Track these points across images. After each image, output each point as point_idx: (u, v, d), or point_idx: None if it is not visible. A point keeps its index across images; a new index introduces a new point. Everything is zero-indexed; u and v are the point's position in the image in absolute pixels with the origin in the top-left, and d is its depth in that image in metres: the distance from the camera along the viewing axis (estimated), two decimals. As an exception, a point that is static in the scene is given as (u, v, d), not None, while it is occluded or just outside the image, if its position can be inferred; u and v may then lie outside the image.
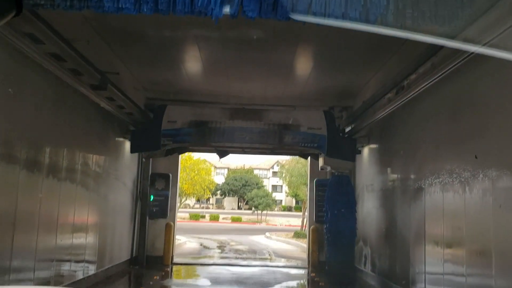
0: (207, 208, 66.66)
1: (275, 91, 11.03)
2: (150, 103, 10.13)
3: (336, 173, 9.50)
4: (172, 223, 11.40)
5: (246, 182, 67.69)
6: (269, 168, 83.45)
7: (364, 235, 9.92)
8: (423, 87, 6.09)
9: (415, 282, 6.98)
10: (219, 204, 75.61)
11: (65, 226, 6.84)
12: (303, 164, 19.12)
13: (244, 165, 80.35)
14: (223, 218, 42.76)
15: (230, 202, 74.96)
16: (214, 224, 36.88)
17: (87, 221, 7.75)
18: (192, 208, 68.90)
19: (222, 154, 10.11)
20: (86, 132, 7.70)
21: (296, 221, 43.89)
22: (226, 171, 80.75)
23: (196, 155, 43.90)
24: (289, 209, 74.05)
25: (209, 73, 9.90)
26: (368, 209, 9.77)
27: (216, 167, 78.94)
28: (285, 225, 38.12)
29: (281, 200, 74.76)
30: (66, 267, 7.09)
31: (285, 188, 79.62)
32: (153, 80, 10.51)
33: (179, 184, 12.07)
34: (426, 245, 6.53)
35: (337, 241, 9.23)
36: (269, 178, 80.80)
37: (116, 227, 9.58)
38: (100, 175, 8.37)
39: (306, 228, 24.06)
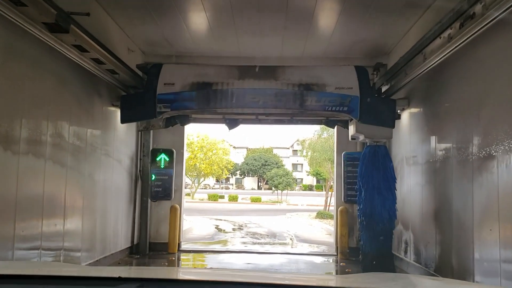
0: (227, 188, 65.93)
1: (293, 49, 9.33)
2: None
3: (370, 143, 7.80)
4: (178, 206, 9.89)
5: (266, 161, 66.78)
6: (288, 147, 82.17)
7: (404, 217, 8.24)
8: (499, 15, 4.34)
9: (482, 275, 5.32)
10: (239, 184, 75.03)
11: (29, 210, 5.35)
12: (326, 138, 17.38)
13: (263, 144, 79.26)
14: (242, 199, 41.44)
15: (249, 182, 74.26)
16: (232, 205, 35.57)
17: (64, 204, 6.26)
18: (212, 188, 68.26)
19: (231, 125, 8.49)
20: (59, 96, 6.15)
21: (318, 200, 42.38)
22: (245, 151, 79.78)
23: (211, 133, 42.67)
24: (310, 188, 72.92)
25: (214, 27, 8.25)
26: (410, 186, 8.06)
27: (235, 147, 78.08)
28: (307, 205, 36.59)
29: (302, 179, 73.60)
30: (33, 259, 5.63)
31: (306, 166, 78.52)
32: (149, 40, 8.90)
33: (185, 161, 10.52)
34: (501, 230, 4.84)
35: (373, 225, 7.58)
36: (289, 157, 79.68)
37: (109, 211, 8.11)
38: (82, 150, 6.85)
39: (330, 208, 22.60)
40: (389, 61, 8.72)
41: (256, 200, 39.14)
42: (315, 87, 7.49)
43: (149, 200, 9.75)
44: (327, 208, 22.17)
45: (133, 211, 9.56)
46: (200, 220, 20.00)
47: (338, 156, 10.16)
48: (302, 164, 79.81)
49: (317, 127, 19.69)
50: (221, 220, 21.05)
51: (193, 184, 45.11)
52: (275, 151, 77.28)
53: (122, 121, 7.66)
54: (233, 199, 40.00)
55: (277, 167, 53.36)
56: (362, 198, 7.78)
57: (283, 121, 8.86)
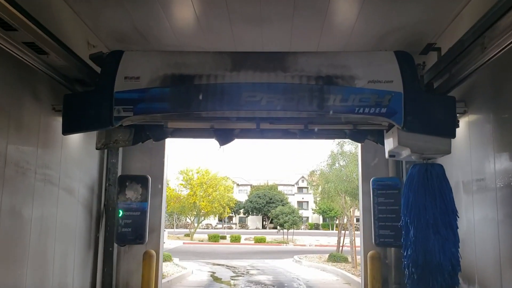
0: (230, 228, 63.24)
1: (305, 42, 7.15)
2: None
3: (417, 161, 5.48)
4: (153, 252, 7.47)
5: (270, 199, 64.53)
6: (293, 184, 79.87)
7: (468, 266, 5.79)
8: None
9: None
10: (242, 224, 72.44)
11: None
12: (340, 168, 14.97)
13: (267, 181, 77.09)
14: (246, 239, 38.62)
15: (253, 221, 71.59)
16: (234, 246, 32.79)
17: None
18: (215, 228, 65.46)
19: (223, 138, 6.15)
20: None
21: (327, 240, 39.50)
22: (249, 188, 77.33)
23: (210, 167, 40.22)
24: (316, 227, 69.94)
25: (202, 15, 6.13)
26: (472, 222, 5.65)
27: (238, 185, 75.64)
28: (315, 245, 33.76)
29: (307, 218, 70.74)
30: None
31: (312, 204, 75.70)
32: (117, 32, 6.75)
33: (165, 191, 8.17)
34: None
35: (428, 279, 5.15)
36: (294, 194, 77.39)
37: (50, 260, 5.71)
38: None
39: (344, 249, 20.06)
40: (429, 56, 6.48)
41: (260, 240, 36.33)
42: (339, 81, 5.21)
43: (115, 245, 7.36)
44: (341, 249, 19.53)
45: (94, 259, 7.13)
46: (195, 266, 17.40)
47: (364, 183, 7.80)
48: (307, 202, 77.21)
49: (331, 147, 17.29)
50: (220, 265, 18.43)
51: (192, 224, 42.39)
52: (280, 188, 75.00)
53: (64, 131, 5.35)
54: (236, 239, 37.18)
55: (282, 205, 50.70)
56: (410, 240, 5.36)
57: (293, 134, 6.55)
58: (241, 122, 5.89)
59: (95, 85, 5.42)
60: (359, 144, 7.97)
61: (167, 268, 15.05)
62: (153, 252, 7.46)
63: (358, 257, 17.34)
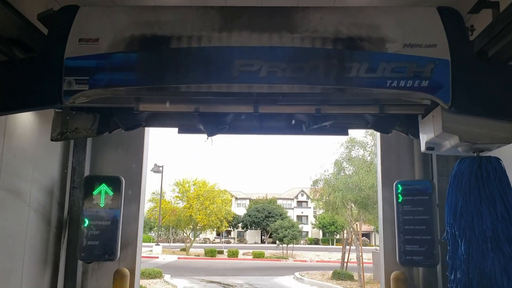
0: (228, 242, 61.68)
1: None
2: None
3: (466, 153, 4.15)
4: (126, 271, 6.08)
5: (269, 213, 63.28)
6: (293, 197, 78.54)
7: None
8: None
9: None
10: (241, 238, 70.91)
11: None
12: (347, 175, 13.55)
13: (266, 194, 75.75)
14: (244, 254, 37.00)
15: (252, 235, 70.05)
16: (232, 262, 31.19)
17: None
18: (212, 242, 63.82)
19: (211, 127, 4.79)
20: None
21: (328, 255, 37.91)
22: (247, 202, 75.89)
23: (207, 179, 38.57)
24: (315, 242, 68.29)
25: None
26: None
27: (237, 198, 74.14)
28: (316, 261, 32.18)
29: (307, 232, 69.14)
30: None
31: (311, 218, 74.13)
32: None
33: (145, 196, 6.80)
34: None
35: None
36: (293, 208, 75.98)
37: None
38: None
39: (349, 265, 18.63)
40: (482, 16, 5.12)
41: (259, 255, 34.72)
42: (365, 44, 3.88)
43: (78, 262, 5.97)
44: (345, 266, 18.08)
45: (51, 278, 5.74)
46: (187, 283, 15.93)
47: (385, 189, 6.42)
48: (307, 216, 75.73)
49: (335, 155, 15.80)
50: (214, 282, 16.95)
51: (188, 238, 40.83)
52: (279, 201, 73.62)
53: (-4, 110, 4.01)
54: (233, 254, 35.55)
55: (282, 219, 49.19)
56: (460, 259, 3.98)
57: (298, 128, 5.20)
58: (234, 105, 4.53)
59: (40, 50, 4.09)
60: (378, 142, 6.62)
61: (155, 286, 13.63)
62: (126, 271, 6.06)
63: (366, 274, 15.95)
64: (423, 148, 4.52)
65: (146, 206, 44.18)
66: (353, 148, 12.87)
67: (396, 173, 6.35)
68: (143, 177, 6.57)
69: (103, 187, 5.96)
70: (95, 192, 5.93)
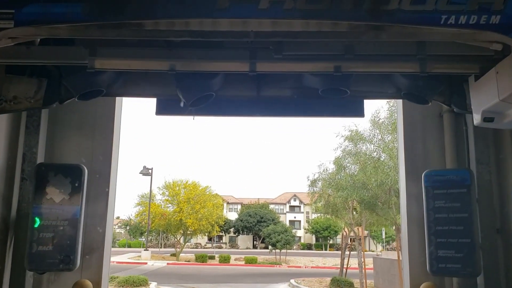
0: (219, 247, 60.61)
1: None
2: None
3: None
4: (89, 284, 4.85)
5: (261, 218, 62.50)
6: (285, 202, 77.74)
7: None
8: None
9: None
10: (232, 243, 69.99)
11: None
12: (346, 174, 12.34)
13: (258, 199, 74.88)
14: (236, 259, 35.74)
15: (244, 240, 69.09)
16: (223, 268, 29.92)
17: None
18: (204, 247, 62.68)
19: (191, 92, 3.60)
20: None
21: (322, 261, 36.81)
22: (239, 206, 74.88)
23: (200, 182, 37.24)
24: (308, 247, 67.38)
25: None
26: None
27: (228, 203, 72.97)
28: (311, 267, 31.01)
29: (300, 238, 68.21)
30: None
31: (304, 223, 73.12)
32: None
33: (115, 191, 5.56)
34: None
35: None
36: (285, 213, 75.22)
37: None
38: None
39: (349, 272, 17.50)
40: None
41: (251, 261, 33.47)
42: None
43: (28, 273, 4.73)
44: (344, 273, 16.92)
45: (-9, 295, 4.50)
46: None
47: (409, 181, 5.24)
48: (300, 221, 74.81)
49: (333, 153, 14.65)
50: (204, 291, 15.72)
51: (179, 243, 39.50)
52: (271, 206, 72.74)
53: None
54: (225, 260, 34.27)
55: (274, 224, 48.08)
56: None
57: (307, 104, 4.05)
58: (222, 61, 3.34)
59: None
60: (400, 124, 5.45)
61: (139, 296, 12.39)
62: (89, 284, 4.82)
63: (369, 281, 14.88)
64: (477, 120, 3.38)
65: (135, 210, 42.86)
66: (358, 143, 11.71)
67: (423, 162, 5.18)
68: (112, 168, 5.34)
69: (59, 179, 4.73)
70: (49, 185, 4.70)
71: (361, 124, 11.54)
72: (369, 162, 10.93)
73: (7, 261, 4.73)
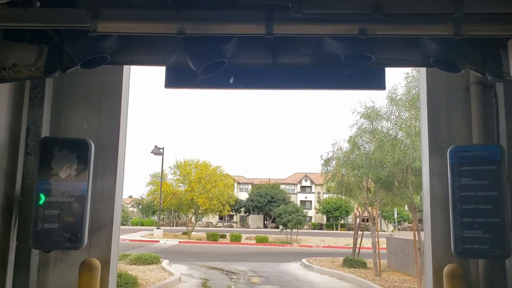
0: (230, 226, 60.96)
1: None
2: None
3: None
4: (97, 262, 4.69)
5: (272, 198, 62.54)
6: (296, 182, 77.64)
7: None
8: None
9: None
10: (243, 223, 70.36)
11: None
12: (369, 151, 12.00)
13: (269, 179, 74.87)
14: (247, 238, 35.84)
15: (255, 220, 69.40)
16: (234, 246, 29.99)
17: None
18: (215, 226, 63.10)
19: (201, 60, 3.34)
20: None
21: (332, 240, 36.77)
22: (250, 186, 74.99)
23: (211, 162, 37.26)
24: (319, 227, 67.49)
25: None
26: None
27: (239, 183, 73.06)
28: (323, 247, 30.95)
29: (310, 218, 68.26)
30: None
31: (315, 203, 73.09)
32: None
33: (123, 167, 5.35)
34: None
35: None
36: (296, 193, 75.18)
37: None
38: None
39: (362, 252, 17.29)
40: None
41: (262, 240, 33.51)
42: None
43: (33, 251, 4.57)
44: (357, 252, 16.75)
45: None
46: (186, 270, 14.62)
47: (433, 157, 4.95)
48: (311, 201, 74.79)
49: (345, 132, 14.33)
50: (216, 269, 15.64)
51: (190, 221, 39.70)
52: (282, 186, 72.74)
53: None
54: (236, 239, 34.35)
55: (285, 204, 48.00)
56: None
57: (332, 58, 3.74)
58: (234, 23, 3.05)
59: None
60: (424, 95, 5.12)
61: (151, 274, 12.35)
62: (96, 263, 4.66)
63: (382, 261, 14.68)
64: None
65: (147, 189, 43.04)
66: (375, 120, 11.33)
67: (447, 137, 4.88)
68: (121, 143, 5.12)
69: (65, 154, 4.52)
70: (54, 160, 4.49)
71: (377, 100, 11.11)
72: (386, 140, 10.58)
73: (12, 239, 4.56)
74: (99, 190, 4.92)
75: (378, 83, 4.33)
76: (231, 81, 4.08)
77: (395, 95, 11.00)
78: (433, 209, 4.94)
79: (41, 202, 4.45)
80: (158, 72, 4.07)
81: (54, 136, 4.80)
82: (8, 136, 4.54)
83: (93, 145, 4.64)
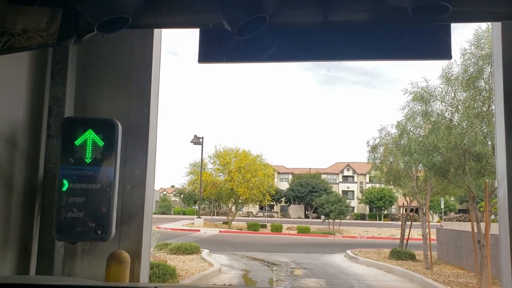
0: (271, 216, 60.80)
1: None
2: None
3: None
4: (126, 255, 4.26)
5: (313, 188, 62.05)
6: (338, 172, 76.66)
7: None
8: None
9: None
10: (284, 213, 70.14)
11: None
12: (421, 136, 11.12)
13: (309, 169, 74.27)
14: (288, 228, 35.38)
15: (295, 210, 69.02)
16: (275, 237, 29.56)
17: None
18: (255, 216, 63.10)
19: (235, 13, 2.79)
20: None
21: (376, 231, 35.78)
22: (290, 176, 74.58)
23: (249, 151, 36.90)
24: (362, 217, 66.40)
25: None
26: None
27: (279, 173, 72.70)
28: (367, 237, 30.06)
29: (353, 208, 67.22)
30: None
31: (357, 194, 71.80)
32: None
33: (155, 151, 4.89)
34: None
35: None
36: (338, 183, 74.24)
37: None
38: None
39: (410, 243, 16.41)
40: None
41: (304, 230, 32.94)
42: None
43: (57, 243, 4.19)
44: (405, 244, 15.90)
45: (17, 268, 3.99)
46: (226, 260, 14.27)
47: (510, 133, 4.23)
48: (353, 191, 73.64)
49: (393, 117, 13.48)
50: (257, 260, 15.22)
51: (230, 211, 39.63)
52: (323, 176, 71.96)
53: None
54: (277, 229, 33.94)
55: (327, 194, 47.26)
56: None
57: (395, 12, 3.11)
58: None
59: None
60: (499, 69, 4.36)
61: (190, 264, 12.04)
62: (125, 255, 4.21)
63: (432, 253, 13.82)
64: None
65: (187, 178, 43.27)
66: (429, 101, 10.39)
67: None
68: (151, 123, 4.65)
69: (90, 135, 4.09)
70: (77, 142, 4.06)
71: (431, 81, 10.22)
72: (441, 123, 9.69)
73: (35, 229, 4.19)
74: (129, 176, 4.47)
75: (443, 51, 3.63)
76: (273, 50, 3.51)
77: (450, 74, 10.09)
78: (511, 196, 4.20)
79: (64, 188, 4.03)
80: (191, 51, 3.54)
81: (79, 115, 4.39)
82: (29, 117, 4.15)
83: (120, 126, 4.18)
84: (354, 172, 75.85)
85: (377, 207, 64.78)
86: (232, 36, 2.91)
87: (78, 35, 3.02)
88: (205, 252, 15.44)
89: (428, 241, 12.53)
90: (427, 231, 12.71)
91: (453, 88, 9.93)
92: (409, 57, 3.82)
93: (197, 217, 37.98)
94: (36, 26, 2.95)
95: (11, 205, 3.76)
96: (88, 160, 4.08)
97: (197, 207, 56.53)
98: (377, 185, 58.81)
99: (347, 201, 50.00)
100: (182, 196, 68.19)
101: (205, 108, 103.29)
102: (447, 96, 10.03)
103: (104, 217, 4.03)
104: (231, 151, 36.37)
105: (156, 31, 4.21)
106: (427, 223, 13.06)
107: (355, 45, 3.44)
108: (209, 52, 3.70)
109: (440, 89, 10.20)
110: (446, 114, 10.07)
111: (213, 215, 56.12)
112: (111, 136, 4.09)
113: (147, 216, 4.66)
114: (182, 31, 3.41)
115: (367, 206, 67.54)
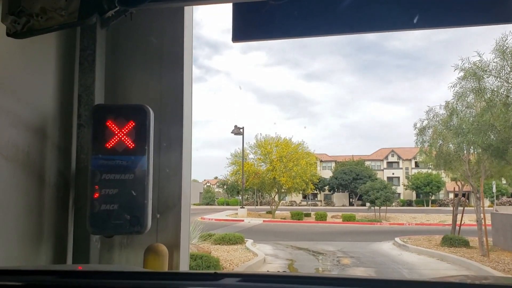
0: (314, 205, 60.34)
1: None
2: None
3: None
4: (164, 248, 4.04)
5: (357, 175, 61.12)
6: (382, 158, 75.22)
7: None
8: None
9: None
10: (327, 201, 69.57)
11: None
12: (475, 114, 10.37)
13: (352, 156, 73.15)
14: (332, 217, 34.85)
15: (339, 198, 68.26)
16: (320, 225, 29.13)
17: None
18: (299, 205, 62.82)
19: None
20: None
21: (424, 218, 34.68)
22: (332, 164, 73.74)
23: (294, 137, 36.43)
24: (408, 203, 64.87)
25: None
26: None
27: (321, 161, 71.88)
28: (415, 224, 29.12)
29: (399, 194, 65.70)
30: None
31: (403, 180, 70.01)
32: None
33: (190, 138, 4.63)
34: None
35: None
36: (383, 170, 72.84)
37: None
38: None
39: (462, 229, 15.57)
40: None
41: (349, 218, 32.32)
42: None
43: (93, 236, 4.02)
44: (457, 230, 15.15)
45: (55, 258, 3.85)
46: (270, 250, 14.04)
47: None
48: (398, 177, 71.98)
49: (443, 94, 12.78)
50: (302, 249, 14.91)
51: (273, 200, 39.44)
52: (366, 163, 70.67)
53: None
54: (321, 217, 33.47)
55: (372, 180, 46.25)
56: None
57: None
58: None
59: None
60: None
61: (235, 254, 11.88)
62: (163, 248, 4.00)
63: (489, 239, 13.07)
64: None
65: (229, 169, 43.37)
66: (483, 77, 9.62)
67: None
68: (185, 109, 4.40)
69: (121, 122, 3.87)
70: (108, 130, 3.87)
71: (484, 54, 9.46)
72: (497, 100, 8.94)
73: (70, 223, 4.04)
74: (163, 165, 4.24)
75: (505, 14, 3.17)
76: (313, 23, 3.15)
77: (505, 47, 9.31)
78: None
79: (96, 180, 3.86)
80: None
81: (109, 102, 4.19)
82: (59, 106, 3.98)
83: (152, 112, 3.94)
84: (399, 157, 74.12)
85: (424, 192, 63.02)
86: (267, 2, 2.59)
87: (100, 12, 2.78)
88: (249, 242, 15.27)
89: (483, 227, 11.81)
90: (482, 216, 11.98)
91: (509, 62, 9.16)
92: (468, 22, 3.37)
93: (241, 207, 38.03)
94: (55, 4, 2.72)
95: (45, 198, 3.60)
96: (120, 150, 3.88)
97: (240, 198, 56.79)
98: (424, 171, 57.04)
99: (393, 187, 48.75)
100: (225, 187, 68.74)
101: (244, 97, 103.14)
102: (503, 71, 9.25)
103: (138, 208, 3.84)
104: (272, 140, 36.09)
105: (187, 10, 3.96)
106: (482, 207, 12.31)
107: (409, 13, 3.05)
108: (244, 28, 3.39)
109: (494, 64, 9.43)
110: (502, 90, 9.32)
111: (256, 205, 56.18)
112: (143, 123, 3.88)
113: (185, 207, 4.43)
114: (213, 7, 3.10)
115: (414, 192, 65.93)
